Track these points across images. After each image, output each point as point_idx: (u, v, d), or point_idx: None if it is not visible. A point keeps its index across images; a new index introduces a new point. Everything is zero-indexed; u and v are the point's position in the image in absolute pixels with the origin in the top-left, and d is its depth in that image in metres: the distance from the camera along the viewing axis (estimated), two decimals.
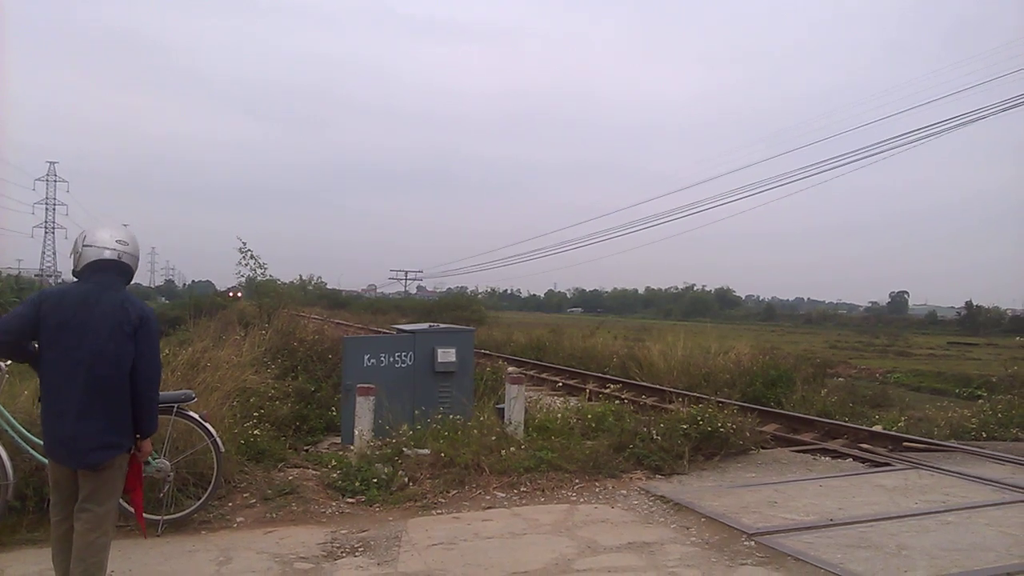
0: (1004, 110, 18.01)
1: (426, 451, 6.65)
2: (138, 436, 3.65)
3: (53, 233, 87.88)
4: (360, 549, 4.81)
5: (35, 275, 77.69)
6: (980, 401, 11.90)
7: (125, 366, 3.50)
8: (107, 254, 3.64)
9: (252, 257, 14.98)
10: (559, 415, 8.37)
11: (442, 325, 9.98)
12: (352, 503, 5.82)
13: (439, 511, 5.68)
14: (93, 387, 3.44)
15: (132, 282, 3.89)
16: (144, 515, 4.11)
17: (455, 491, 6.10)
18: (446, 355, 8.60)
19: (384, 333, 18.48)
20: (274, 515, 5.47)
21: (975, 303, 68.15)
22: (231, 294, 34.71)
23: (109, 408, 3.49)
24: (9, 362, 5.00)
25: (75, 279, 3.73)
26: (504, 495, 6.08)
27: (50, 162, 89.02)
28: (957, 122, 19.57)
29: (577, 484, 6.41)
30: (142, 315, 3.56)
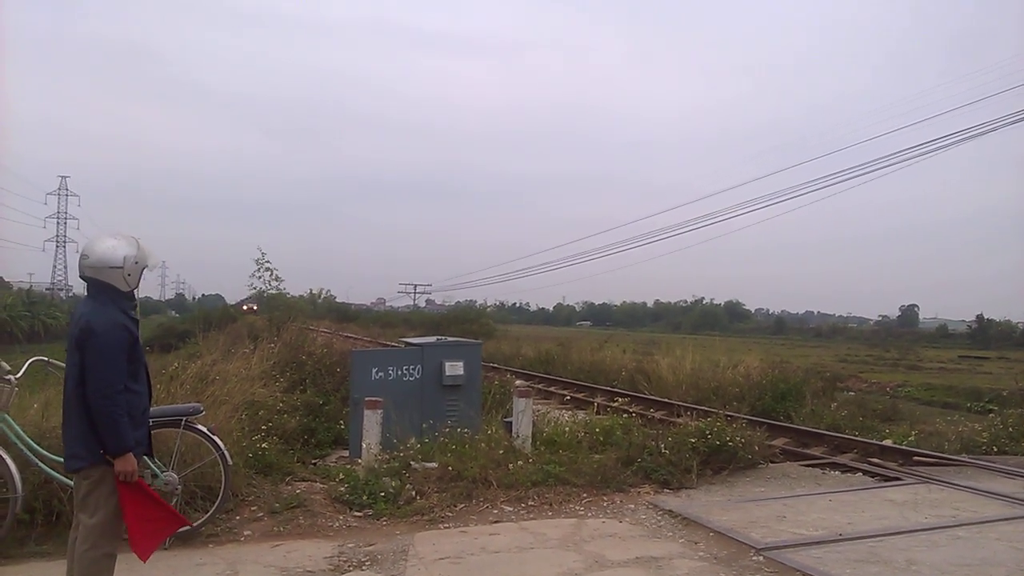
0: (1013, 123, 18.06)
1: (434, 464, 6.65)
2: (103, 452, 3.52)
3: (64, 247, 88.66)
4: (367, 563, 4.81)
5: (46, 289, 78.35)
6: (991, 415, 11.79)
7: (78, 378, 3.53)
8: (80, 272, 3.71)
9: (267, 269, 14.78)
10: (567, 429, 8.37)
11: (450, 338, 10.00)
12: (359, 517, 5.82)
13: (446, 525, 5.67)
14: (65, 398, 3.64)
15: (138, 293, 3.91)
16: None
17: (462, 505, 6.09)
18: (454, 368, 8.62)
19: (392, 347, 18.51)
20: (281, 528, 5.48)
21: (986, 316, 67.43)
22: (246, 308, 34.61)
23: (74, 420, 3.56)
24: (19, 375, 5.05)
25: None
26: (512, 509, 6.07)
27: (61, 176, 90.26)
28: (967, 135, 19.62)
29: (585, 498, 6.39)
30: (83, 326, 3.52)
